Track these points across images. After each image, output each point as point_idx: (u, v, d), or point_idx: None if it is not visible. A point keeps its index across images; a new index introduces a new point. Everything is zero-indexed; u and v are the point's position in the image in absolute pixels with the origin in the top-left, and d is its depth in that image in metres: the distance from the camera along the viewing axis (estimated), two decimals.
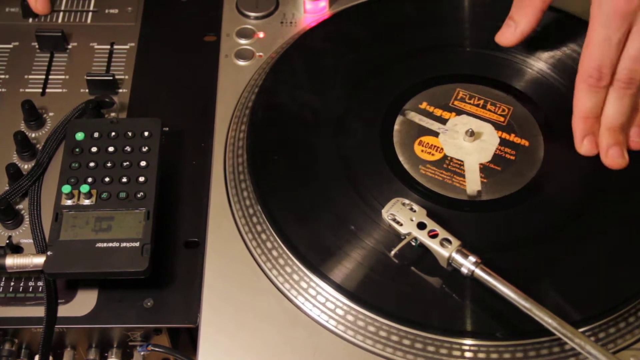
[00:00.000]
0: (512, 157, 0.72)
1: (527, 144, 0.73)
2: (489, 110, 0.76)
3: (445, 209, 0.68)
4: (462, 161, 0.72)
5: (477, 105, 0.76)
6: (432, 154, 0.72)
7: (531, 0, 0.73)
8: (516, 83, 0.78)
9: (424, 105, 0.75)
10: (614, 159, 0.70)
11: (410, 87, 0.77)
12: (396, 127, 0.73)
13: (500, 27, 0.77)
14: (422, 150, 0.72)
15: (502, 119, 0.75)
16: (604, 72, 0.68)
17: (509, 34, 0.74)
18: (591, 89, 0.69)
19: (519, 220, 0.69)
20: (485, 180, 0.71)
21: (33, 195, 0.72)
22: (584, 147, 0.71)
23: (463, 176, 0.71)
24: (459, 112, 0.75)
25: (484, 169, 0.72)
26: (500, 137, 0.74)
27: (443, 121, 0.75)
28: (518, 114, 0.75)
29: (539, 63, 0.79)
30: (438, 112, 0.75)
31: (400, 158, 0.72)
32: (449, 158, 0.72)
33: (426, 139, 0.73)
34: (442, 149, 0.73)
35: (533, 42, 0.79)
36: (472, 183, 0.70)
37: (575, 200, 0.70)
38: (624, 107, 0.69)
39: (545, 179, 0.71)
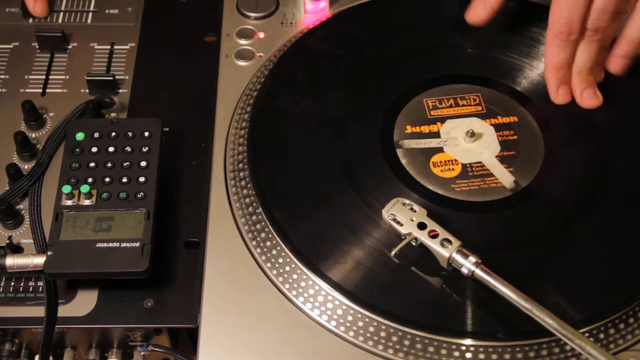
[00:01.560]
0: (515, 137, 0.73)
1: (516, 119, 0.75)
2: (463, 105, 0.76)
3: (499, 212, 0.69)
4: (480, 162, 0.72)
5: (451, 106, 0.76)
6: (452, 169, 0.72)
7: None
8: (466, 70, 0.79)
9: (409, 129, 0.75)
10: (589, 100, 0.75)
11: (388, 111, 0.76)
12: (403, 161, 0.72)
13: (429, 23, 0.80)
14: (442, 170, 0.72)
15: (479, 107, 0.76)
16: (574, 27, 0.71)
17: (480, 10, 0.77)
18: (562, 44, 0.73)
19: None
20: (512, 169, 0.71)
21: (33, 195, 0.72)
22: (559, 96, 0.75)
23: (492, 175, 0.71)
24: (442, 119, 0.75)
25: (502, 159, 0.72)
26: (491, 125, 0.74)
27: (436, 135, 0.74)
28: (489, 97, 0.76)
29: (475, 45, 0.80)
30: (425, 128, 0.75)
31: (431, 187, 0.70)
32: (468, 165, 0.72)
33: (437, 158, 0.73)
34: (456, 160, 0.72)
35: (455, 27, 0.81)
36: (504, 177, 0.71)
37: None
38: (592, 53, 0.73)
39: (556, 140, 0.73)
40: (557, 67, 0.74)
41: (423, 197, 0.69)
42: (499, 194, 0.70)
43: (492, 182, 0.71)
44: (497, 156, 0.72)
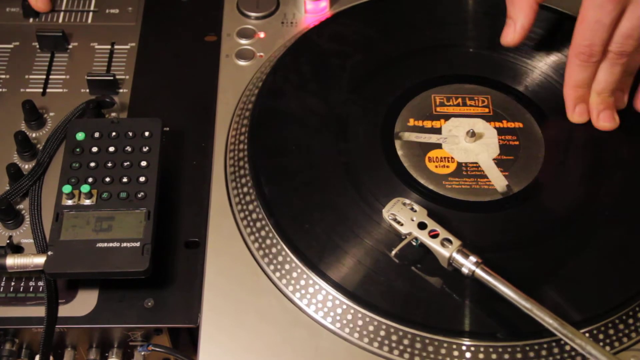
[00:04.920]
0: (517, 142, 0.73)
1: (521, 125, 0.74)
2: (470, 105, 0.76)
3: (486, 214, 0.69)
4: (476, 163, 0.72)
5: (458, 105, 0.76)
6: (447, 166, 0.72)
7: None
8: (479, 71, 0.78)
9: (411, 122, 0.75)
10: (605, 122, 0.73)
11: (394, 102, 0.76)
12: (399, 152, 0.73)
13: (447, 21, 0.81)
14: (436, 166, 0.72)
15: (486, 109, 0.75)
16: (595, 50, 0.70)
17: (511, 33, 0.75)
18: (583, 64, 0.71)
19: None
20: (506, 173, 0.71)
21: (33, 195, 0.72)
22: (575, 114, 0.74)
23: (485, 177, 0.71)
24: (446, 117, 0.75)
25: (499, 162, 0.72)
26: (495, 128, 0.74)
27: (437, 131, 0.74)
28: (498, 100, 0.76)
29: (495, 49, 0.79)
30: (428, 123, 0.75)
31: (422, 181, 0.71)
32: (463, 164, 0.72)
33: (433, 153, 0.73)
34: (452, 158, 0.72)
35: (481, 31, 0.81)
36: (498, 180, 0.71)
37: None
38: (614, 75, 0.72)
39: (557, 151, 0.72)
40: (576, 85, 0.73)
41: (412, 190, 0.70)
42: (489, 196, 0.70)
43: (485, 183, 0.71)
44: (494, 159, 0.72)
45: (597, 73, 0.72)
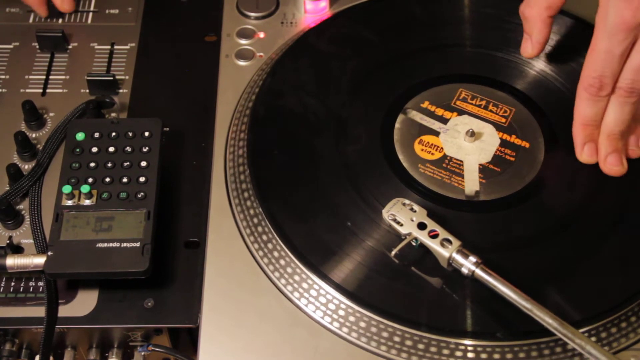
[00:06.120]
0: (512, 159, 0.72)
1: (527, 145, 0.74)
2: (491, 111, 0.76)
3: (442, 208, 0.68)
4: (461, 161, 0.72)
5: (479, 106, 0.76)
6: (432, 153, 0.72)
7: (533, 11, 0.73)
8: (519, 84, 0.78)
9: (425, 104, 0.76)
10: (612, 166, 0.70)
11: (413, 86, 0.77)
12: (397, 125, 0.74)
13: (505, 27, 0.80)
14: (422, 149, 0.72)
15: (503, 120, 0.75)
16: (605, 82, 0.67)
17: (528, 47, 0.74)
18: (592, 98, 0.69)
19: (519, 221, 0.69)
20: (483, 181, 0.71)
21: (33, 195, 0.72)
22: (584, 154, 0.71)
23: (462, 176, 0.71)
24: (461, 112, 0.75)
25: (483, 169, 0.72)
26: (500, 138, 0.74)
27: (444, 121, 0.75)
28: (520, 116, 0.75)
29: (542, 65, 0.79)
30: (440, 111, 0.75)
31: (400, 156, 0.72)
32: (448, 157, 0.72)
33: (426, 138, 0.73)
34: (442, 148, 0.73)
35: None
36: (471, 183, 0.71)
37: (572, 203, 0.70)
38: (624, 115, 0.69)
39: (543, 183, 0.71)
40: (585, 122, 0.70)
41: (387, 162, 0.71)
42: (453, 194, 0.70)
43: (457, 182, 0.71)
44: (481, 164, 0.72)
45: (606, 112, 0.69)
